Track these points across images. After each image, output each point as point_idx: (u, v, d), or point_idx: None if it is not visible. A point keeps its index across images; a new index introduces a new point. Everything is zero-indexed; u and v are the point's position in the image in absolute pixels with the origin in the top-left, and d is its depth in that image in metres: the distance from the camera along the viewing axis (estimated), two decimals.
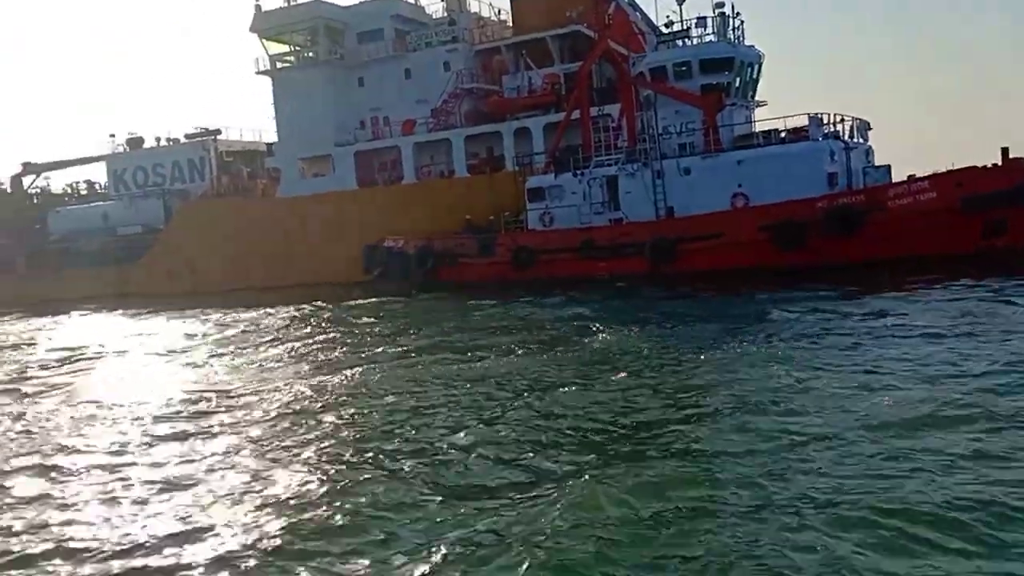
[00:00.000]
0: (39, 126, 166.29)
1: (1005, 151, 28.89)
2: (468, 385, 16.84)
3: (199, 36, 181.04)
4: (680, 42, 35.23)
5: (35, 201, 68.95)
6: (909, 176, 30.93)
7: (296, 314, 33.89)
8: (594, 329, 22.24)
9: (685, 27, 34.75)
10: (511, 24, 51.30)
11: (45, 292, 58.70)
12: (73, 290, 56.85)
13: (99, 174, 67.07)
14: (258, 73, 52.91)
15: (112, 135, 63.19)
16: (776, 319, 21.68)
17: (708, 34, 34.49)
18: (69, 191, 69.72)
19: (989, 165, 29.21)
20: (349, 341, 25.10)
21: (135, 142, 62.11)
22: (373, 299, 35.89)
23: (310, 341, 25.63)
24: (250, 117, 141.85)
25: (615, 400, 14.48)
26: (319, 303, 36.35)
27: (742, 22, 34.33)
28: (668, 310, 25.35)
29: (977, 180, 28.62)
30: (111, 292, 53.71)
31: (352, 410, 15.66)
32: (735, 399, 13.71)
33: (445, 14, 51.59)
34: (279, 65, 52.93)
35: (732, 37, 34.39)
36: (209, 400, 17.74)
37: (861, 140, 33.85)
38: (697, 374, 16.11)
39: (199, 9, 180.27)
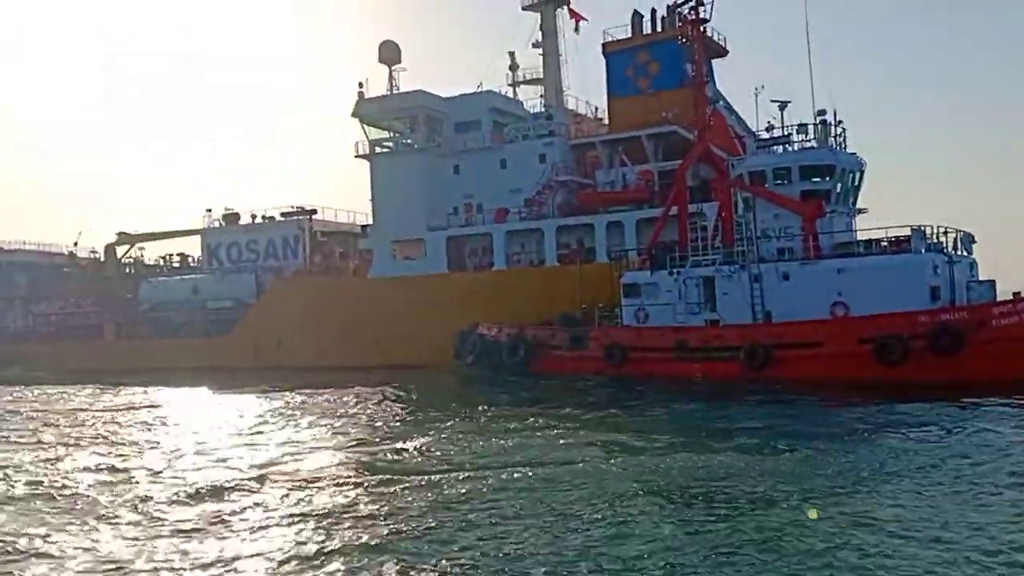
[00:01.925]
0: (137, 198, 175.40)
1: None
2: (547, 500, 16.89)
3: (298, 116, 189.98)
4: (780, 147, 36.52)
5: (128, 271, 72.76)
6: (1015, 294, 31.28)
7: (394, 398, 35.46)
8: (688, 435, 22.84)
9: (786, 132, 36.07)
10: (606, 121, 53.64)
11: (132, 361, 61.19)
12: (159, 360, 59.26)
13: (193, 247, 70.84)
14: (357, 156, 55.92)
15: (209, 210, 66.81)
16: (884, 439, 21.84)
17: (809, 140, 35.74)
18: (162, 262, 73.50)
19: None
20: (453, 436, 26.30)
21: (231, 218, 65.58)
22: (467, 387, 37.39)
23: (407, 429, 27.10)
24: (344, 198, 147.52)
25: (711, 524, 14.62)
26: (412, 390, 37.66)
27: (844, 129, 35.58)
28: (766, 420, 25.66)
29: None
30: (197, 364, 55.95)
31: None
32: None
33: (542, 108, 54.15)
34: (378, 149, 55.95)
35: (834, 144, 35.59)
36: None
37: (965, 253, 34.42)
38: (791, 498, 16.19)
39: (300, 91, 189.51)
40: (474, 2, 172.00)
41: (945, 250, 33.62)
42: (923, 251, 32.88)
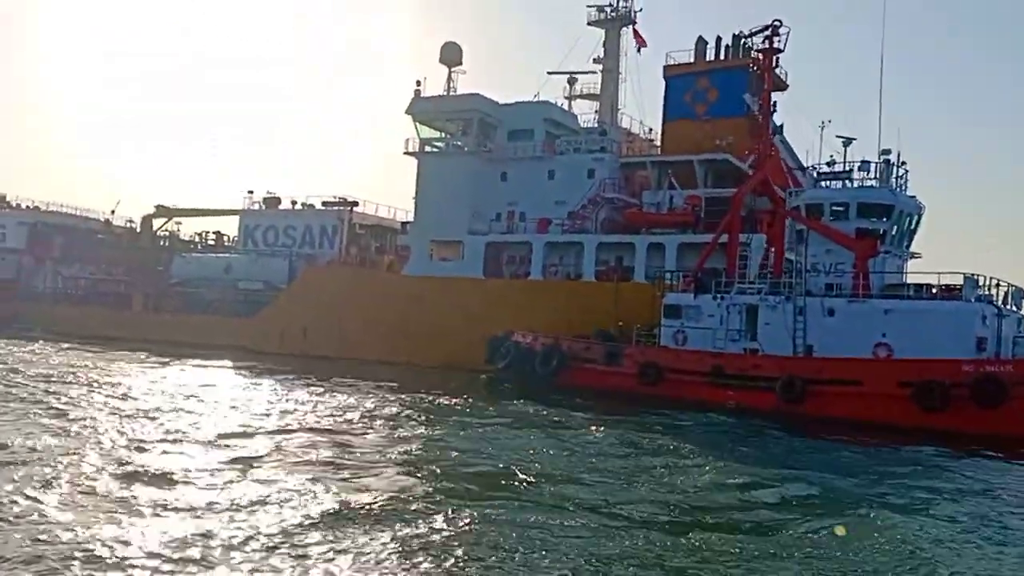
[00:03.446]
0: (176, 170, 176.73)
1: None
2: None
3: (351, 106, 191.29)
4: (840, 182, 36.64)
5: (162, 244, 73.48)
6: None
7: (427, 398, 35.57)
8: (724, 467, 22.40)
9: (847, 168, 36.18)
10: (657, 143, 53.96)
11: (156, 333, 61.46)
12: (183, 335, 59.62)
13: (230, 227, 71.53)
14: (405, 153, 56.42)
15: (250, 191, 67.55)
16: (908, 482, 21.63)
17: (870, 178, 35.84)
18: (197, 239, 74.23)
19: None
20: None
21: (271, 201, 66.25)
22: (498, 392, 37.43)
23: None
24: (385, 192, 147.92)
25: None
26: (438, 392, 37.62)
27: (906, 171, 35.66)
28: (788, 454, 25.46)
29: None
30: (222, 343, 56.23)
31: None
32: None
33: (596, 124, 54.52)
34: (428, 148, 56.43)
35: (894, 184, 35.68)
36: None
37: (1015, 308, 34.36)
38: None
39: (352, 82, 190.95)
40: (539, 13, 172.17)
41: (995, 302, 33.56)
42: (973, 300, 32.86)
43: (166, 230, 74.77)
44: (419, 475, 18.89)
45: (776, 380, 33.62)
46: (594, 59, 57.06)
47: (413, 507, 15.67)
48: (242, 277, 62.88)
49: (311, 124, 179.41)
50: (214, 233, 74.50)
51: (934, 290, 34.02)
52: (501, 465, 20.29)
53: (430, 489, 17.37)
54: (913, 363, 31.55)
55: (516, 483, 18.41)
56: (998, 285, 33.86)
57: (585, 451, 23.31)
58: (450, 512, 15.24)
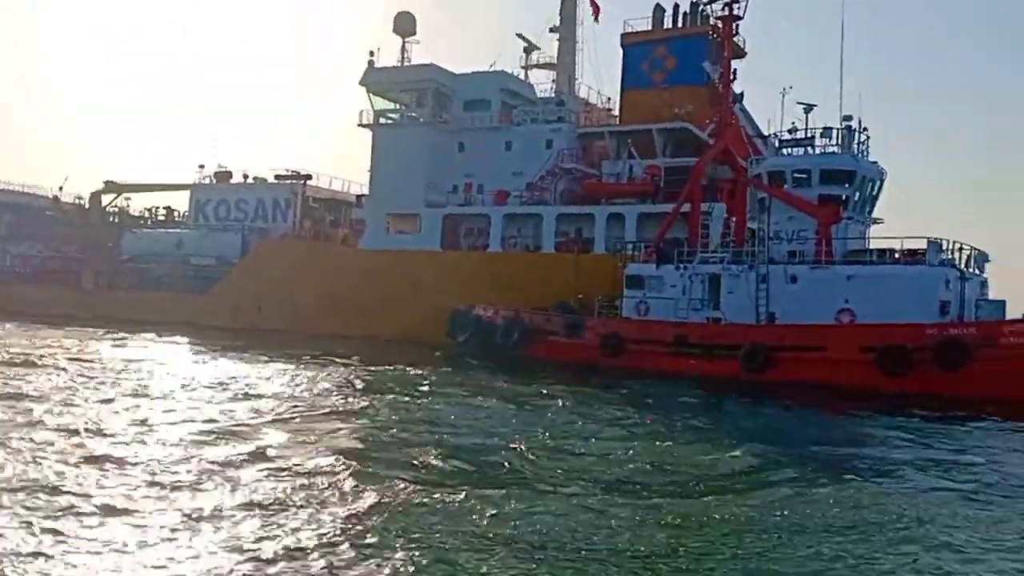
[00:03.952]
0: (126, 145, 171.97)
1: None
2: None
3: (303, 79, 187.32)
4: (802, 149, 36.12)
5: (112, 220, 71.31)
6: None
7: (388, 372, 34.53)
8: (678, 433, 22.02)
9: (809, 135, 35.64)
10: (616, 113, 53.13)
11: (107, 310, 59.87)
12: (135, 312, 58.02)
13: (180, 202, 69.52)
14: (360, 125, 54.97)
15: (201, 165, 65.66)
16: (870, 444, 21.25)
17: (832, 145, 35.35)
18: (147, 214, 72.10)
19: None
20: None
21: (223, 175, 64.42)
22: (457, 365, 36.47)
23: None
24: (339, 165, 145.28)
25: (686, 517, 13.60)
26: (398, 367, 36.61)
27: (868, 137, 35.21)
28: (751, 418, 25.00)
29: None
30: (174, 319, 54.83)
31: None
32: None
33: (553, 94, 53.50)
34: (382, 120, 55.01)
35: (856, 151, 35.24)
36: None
37: (978, 271, 34.18)
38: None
39: (310, 54, 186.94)
40: None
41: (958, 266, 33.33)
42: (936, 264, 32.60)
43: (116, 206, 72.56)
44: (383, 448, 17.96)
45: (739, 348, 33.18)
46: (550, 28, 55.99)
47: (377, 480, 14.73)
48: (194, 252, 61.18)
49: (311, 124, 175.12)
50: (164, 208, 72.36)
51: (897, 255, 33.70)
52: (466, 438, 19.46)
53: (395, 462, 16.46)
54: (876, 328, 31.24)
55: (483, 456, 17.56)
56: (961, 249, 33.61)
57: (550, 423, 22.43)
58: (420, 487, 14.34)
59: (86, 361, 32.56)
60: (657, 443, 19.99)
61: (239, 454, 16.68)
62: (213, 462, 15.80)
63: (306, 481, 14.55)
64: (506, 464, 16.87)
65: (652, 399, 28.27)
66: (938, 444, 21.68)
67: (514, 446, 18.53)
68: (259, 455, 16.54)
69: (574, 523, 12.67)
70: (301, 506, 13.00)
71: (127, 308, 59.25)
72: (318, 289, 52.42)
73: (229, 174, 64.57)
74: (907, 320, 30.87)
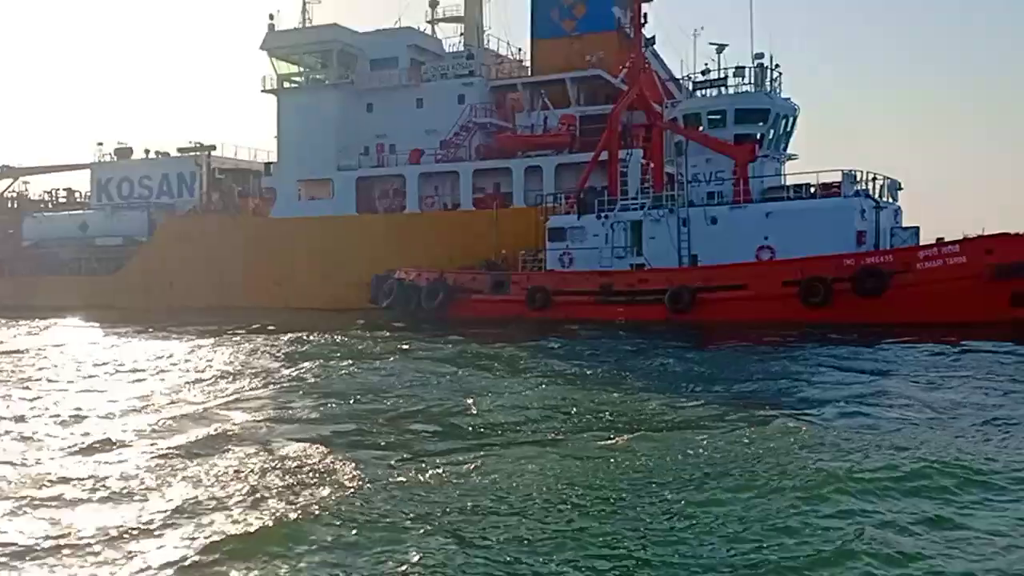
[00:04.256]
0: (21, 128, 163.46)
1: None
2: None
3: (201, 48, 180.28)
4: (716, 90, 36.02)
5: (10, 205, 67.98)
6: (938, 239, 31.74)
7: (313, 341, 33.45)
8: (598, 377, 21.74)
9: (722, 75, 35.56)
10: (527, 64, 52.35)
11: (12, 297, 57.62)
12: (43, 298, 55.79)
13: (82, 183, 66.54)
14: (263, 91, 53.10)
15: (100, 143, 62.77)
16: (795, 377, 21.16)
17: (745, 84, 35.32)
18: (47, 197, 68.88)
19: (1021, 232, 30.09)
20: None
21: (123, 152, 61.71)
22: (382, 331, 35.52)
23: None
24: (247, 135, 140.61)
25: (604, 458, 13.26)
26: (322, 333, 35.55)
27: (780, 74, 35.28)
28: (679, 361, 24.56)
29: (1009, 248, 29.42)
30: (84, 303, 52.82)
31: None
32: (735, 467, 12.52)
33: (462, 48, 52.41)
34: (286, 85, 53.23)
35: (769, 88, 35.29)
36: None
37: (891, 200, 34.71)
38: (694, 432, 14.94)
39: (205, 21, 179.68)
40: None
41: (872, 196, 33.77)
42: (851, 196, 32.98)
43: (13, 191, 69.12)
44: (309, 420, 17.15)
45: (664, 293, 33.26)
46: None
47: (319, 452, 14.01)
48: (99, 233, 58.72)
49: (212, 95, 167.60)
50: (65, 190, 69.15)
51: (813, 189, 33.99)
52: (398, 403, 18.74)
53: (324, 431, 15.70)
54: (796, 262, 31.54)
55: (412, 421, 16.91)
56: (874, 179, 34.04)
57: (475, 382, 21.79)
58: (361, 454, 13.67)
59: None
60: (583, 392, 19.59)
61: (165, 432, 15.72)
62: (148, 445, 14.84)
63: (244, 456, 13.71)
64: (439, 427, 16.26)
65: (578, 349, 27.93)
66: (860, 371, 21.82)
67: (444, 407, 17.94)
68: (195, 437, 15.57)
69: (506, 475, 12.20)
70: (246, 481, 12.21)
71: (31, 295, 56.93)
72: (231, 262, 50.94)
73: (130, 150, 61.90)
74: (826, 252, 31.26)
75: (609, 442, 14.15)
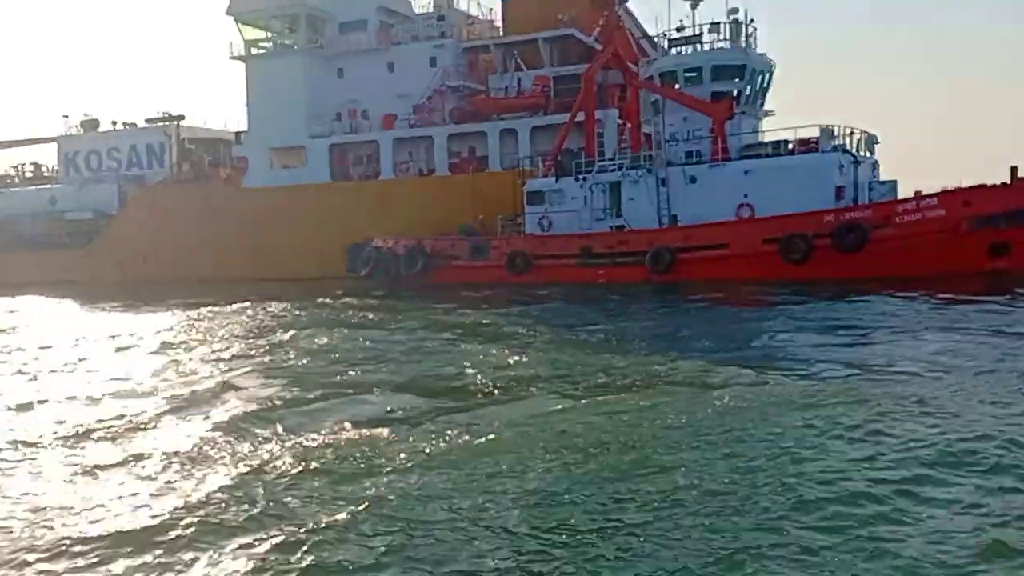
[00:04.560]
0: None
1: (1014, 170, 29.86)
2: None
3: (165, 14, 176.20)
4: (691, 47, 35.61)
5: None
6: (916, 192, 31.71)
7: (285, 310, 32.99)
8: (580, 342, 21.43)
9: (697, 32, 35.14)
10: (499, 24, 51.56)
11: None
12: (12, 274, 54.78)
13: (48, 156, 65.09)
14: (231, 58, 51.96)
15: (65, 116, 61.08)
16: (774, 335, 21.03)
17: (721, 40, 34.92)
18: (13, 172, 67.34)
19: (998, 184, 30.16)
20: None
21: (90, 124, 60.28)
22: (361, 300, 35.11)
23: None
24: (218, 103, 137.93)
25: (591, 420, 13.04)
26: (298, 303, 35.05)
27: (755, 29, 34.86)
28: (660, 323, 24.46)
29: (986, 199, 29.50)
30: (55, 278, 51.99)
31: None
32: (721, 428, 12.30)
33: (433, 9, 51.51)
34: (254, 51, 52.14)
35: (745, 44, 34.92)
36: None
37: (868, 154, 34.62)
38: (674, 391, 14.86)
39: None
40: None
41: (850, 150, 33.65)
42: (829, 151, 32.85)
43: None
44: (300, 396, 16.88)
45: (645, 254, 33.14)
46: None
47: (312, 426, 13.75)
48: (69, 208, 57.54)
49: (179, 63, 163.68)
50: (31, 164, 67.61)
51: (791, 145, 33.80)
52: (386, 374, 18.51)
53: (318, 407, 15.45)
54: (775, 220, 31.50)
55: (408, 389, 16.70)
56: (852, 133, 33.89)
57: (460, 348, 21.66)
58: (362, 427, 13.43)
59: None
60: (569, 356, 19.41)
61: (162, 412, 15.37)
62: (142, 425, 14.50)
63: (230, 429, 13.43)
64: (428, 397, 15.99)
65: (560, 313, 27.73)
66: (843, 325, 21.87)
67: (431, 376, 17.69)
68: (188, 412, 15.28)
69: (498, 440, 12.06)
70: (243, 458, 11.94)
71: (4, 272, 55.72)
72: (204, 233, 50.14)
73: (96, 122, 60.45)
74: (805, 208, 31.20)
75: (596, 404, 13.99)
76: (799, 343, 19.44)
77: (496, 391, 15.75)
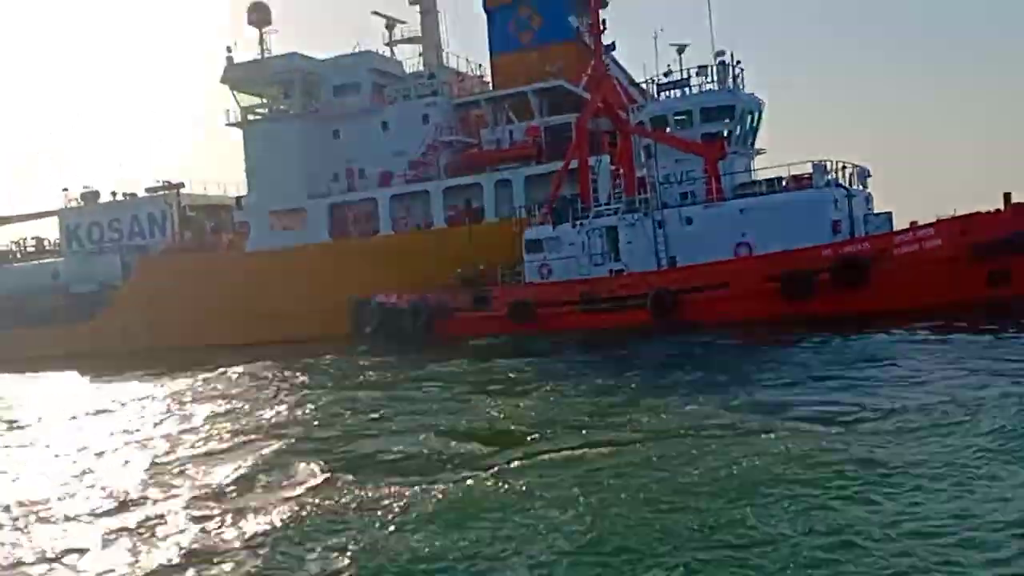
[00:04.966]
0: None
1: (1007, 196, 29.62)
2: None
3: (162, 86, 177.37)
4: (680, 90, 35.66)
5: None
6: (912, 223, 31.50)
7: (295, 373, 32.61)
8: (595, 386, 21.58)
9: (685, 75, 35.21)
10: (488, 79, 51.84)
11: None
12: (17, 350, 54.05)
13: (50, 230, 64.96)
14: (228, 125, 52.13)
15: (65, 189, 61.09)
16: (781, 375, 20.97)
17: (708, 82, 34.99)
18: (15, 248, 67.20)
19: (992, 210, 29.90)
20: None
21: (91, 196, 60.17)
22: (369, 358, 34.80)
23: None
24: (215, 170, 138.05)
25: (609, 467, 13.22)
26: (307, 364, 34.67)
27: (742, 70, 34.98)
28: (667, 368, 24.24)
29: (983, 227, 29.23)
30: (61, 352, 51.42)
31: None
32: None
33: (423, 68, 51.83)
34: (251, 117, 52.34)
35: (733, 85, 34.98)
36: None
37: (861, 187, 34.48)
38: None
39: (163, 58, 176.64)
40: None
41: (843, 184, 33.50)
42: (824, 186, 32.70)
43: None
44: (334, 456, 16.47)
45: (646, 297, 32.80)
46: (409, 1, 53.92)
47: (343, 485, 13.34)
48: (72, 280, 57.16)
49: (177, 132, 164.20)
50: (33, 239, 67.50)
51: (785, 182, 33.68)
52: (399, 434, 18.12)
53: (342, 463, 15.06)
54: (775, 257, 31.22)
55: (414, 449, 16.32)
56: (844, 168, 33.80)
57: (474, 400, 21.37)
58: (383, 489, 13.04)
59: None
60: (580, 405, 19.25)
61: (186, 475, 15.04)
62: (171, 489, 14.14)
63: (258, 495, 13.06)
64: (446, 450, 15.69)
65: (566, 361, 27.53)
66: (847, 366, 21.51)
67: (447, 431, 17.44)
68: (218, 477, 14.96)
69: (519, 493, 11.76)
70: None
71: (7, 348, 55.15)
72: (208, 299, 49.79)
73: (97, 194, 60.38)
74: (802, 244, 30.94)
75: (613, 453, 13.93)
76: (803, 386, 19.14)
77: (512, 444, 15.57)
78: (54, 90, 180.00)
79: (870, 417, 15.14)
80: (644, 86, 40.70)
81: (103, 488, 14.75)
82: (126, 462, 17.07)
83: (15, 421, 25.72)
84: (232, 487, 14.06)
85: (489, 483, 12.41)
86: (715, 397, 18.40)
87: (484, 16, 48.79)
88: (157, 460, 16.95)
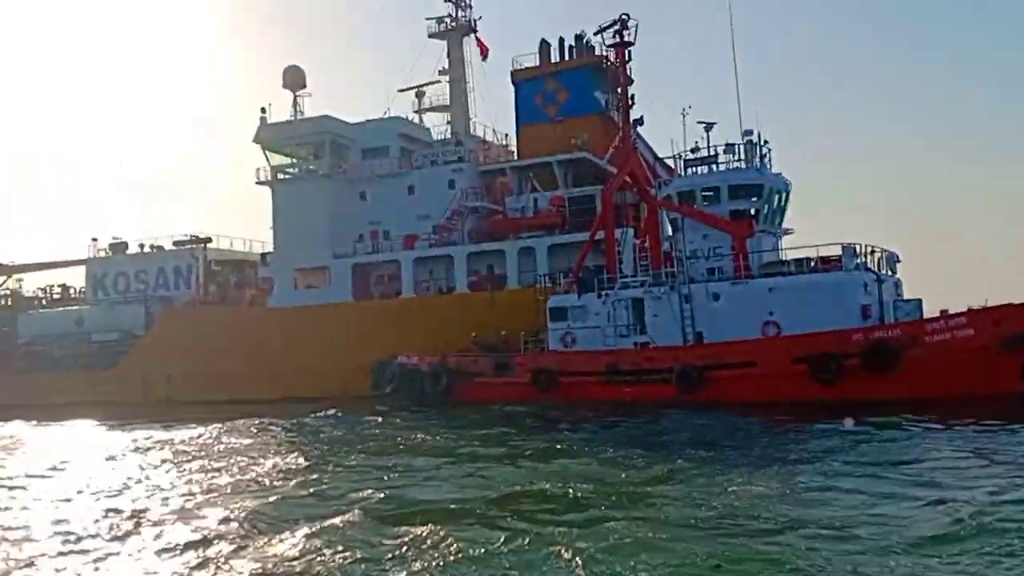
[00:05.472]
0: (13, 226, 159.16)
1: None
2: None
3: (194, 143, 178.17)
4: (707, 167, 34.89)
5: (4, 303, 65.47)
6: (942, 311, 30.30)
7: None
8: (617, 459, 20.71)
9: (713, 152, 34.50)
10: (513, 148, 51.48)
11: (9, 397, 54.45)
12: (39, 396, 53.02)
13: (76, 278, 64.21)
14: (258, 183, 51.71)
15: (94, 239, 60.60)
16: (810, 462, 19.81)
17: (736, 160, 34.25)
18: (42, 294, 66.43)
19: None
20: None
21: (118, 247, 59.61)
22: (387, 420, 33.54)
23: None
24: (241, 225, 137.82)
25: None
26: (328, 423, 33.54)
27: (770, 150, 34.25)
28: (693, 445, 23.11)
29: (1015, 317, 28.04)
30: (80, 399, 50.21)
31: None
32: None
33: (450, 135, 51.50)
34: (280, 176, 51.88)
35: (760, 164, 34.22)
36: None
37: (890, 272, 33.42)
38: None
39: (194, 116, 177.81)
40: (382, 30, 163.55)
41: (872, 269, 32.45)
42: (853, 269, 31.66)
43: (7, 288, 66.69)
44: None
45: (671, 371, 31.53)
46: (440, 71, 53.81)
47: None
48: (96, 329, 56.34)
49: (206, 187, 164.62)
50: (59, 286, 66.75)
51: (813, 263, 32.62)
52: (416, 496, 17.01)
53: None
54: (804, 338, 29.93)
55: (440, 511, 15.24)
56: (872, 252, 32.74)
57: (494, 469, 20.28)
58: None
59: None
60: (606, 477, 18.28)
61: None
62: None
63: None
64: (464, 520, 14.68)
65: (590, 432, 26.38)
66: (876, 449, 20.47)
67: (464, 500, 16.78)
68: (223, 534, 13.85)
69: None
70: None
71: (28, 393, 54.07)
72: (230, 354, 48.72)
73: (125, 245, 59.79)
74: (831, 327, 29.74)
75: (634, 530, 13.49)
76: (834, 476, 17.95)
77: (531, 517, 15.00)
78: (53, 90, 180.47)
79: (892, 524, 13.95)
80: (668, 162, 40.03)
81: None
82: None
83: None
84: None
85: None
86: (739, 478, 17.56)
87: (512, 88, 48.52)
88: (136, 513, 16.42)
